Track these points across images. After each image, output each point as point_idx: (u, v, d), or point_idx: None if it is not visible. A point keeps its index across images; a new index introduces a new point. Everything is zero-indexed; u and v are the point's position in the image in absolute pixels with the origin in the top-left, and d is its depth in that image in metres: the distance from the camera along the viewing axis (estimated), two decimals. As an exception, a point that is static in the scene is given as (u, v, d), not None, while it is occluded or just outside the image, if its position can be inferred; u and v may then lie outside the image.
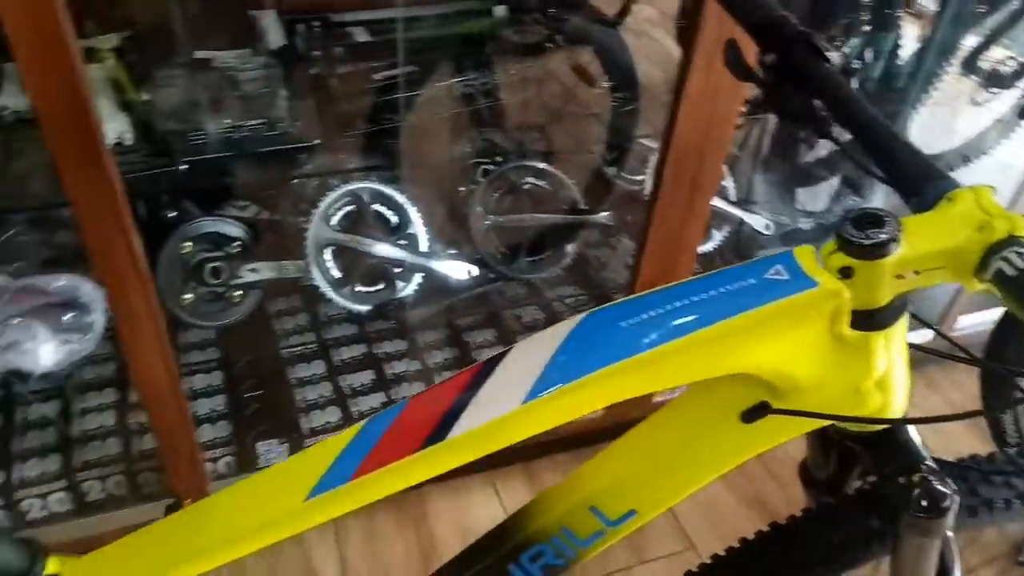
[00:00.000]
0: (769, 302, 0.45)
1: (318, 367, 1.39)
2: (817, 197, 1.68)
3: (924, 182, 0.48)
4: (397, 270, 1.23)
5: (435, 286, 1.27)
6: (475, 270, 1.26)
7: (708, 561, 0.74)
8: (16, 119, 0.98)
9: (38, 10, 0.73)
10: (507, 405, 0.46)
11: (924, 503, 0.51)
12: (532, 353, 0.47)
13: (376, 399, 1.36)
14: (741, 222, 1.44)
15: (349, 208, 1.18)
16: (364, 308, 1.22)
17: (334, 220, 1.17)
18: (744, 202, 1.47)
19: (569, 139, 1.54)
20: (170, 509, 0.64)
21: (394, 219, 1.22)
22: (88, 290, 0.40)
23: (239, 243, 1.16)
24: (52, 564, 0.53)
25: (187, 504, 0.57)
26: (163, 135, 0.96)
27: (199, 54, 0.96)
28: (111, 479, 1.23)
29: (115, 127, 0.96)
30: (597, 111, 1.52)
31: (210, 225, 1.14)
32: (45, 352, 0.38)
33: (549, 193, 1.32)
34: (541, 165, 1.30)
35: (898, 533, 0.55)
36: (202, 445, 1.25)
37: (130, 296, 0.94)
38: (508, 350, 0.49)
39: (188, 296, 1.13)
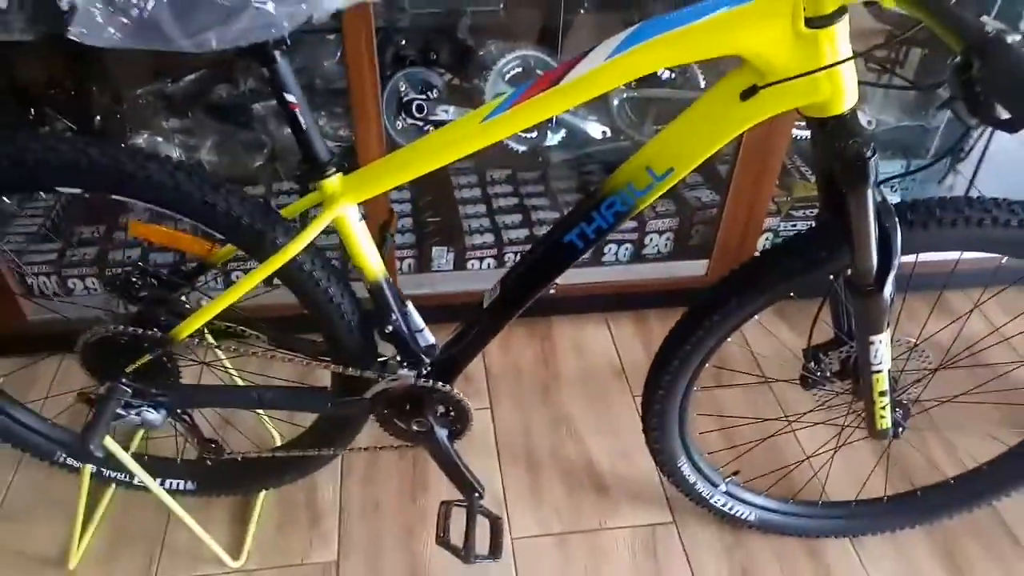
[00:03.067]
0: (748, 2, 0.77)
1: (481, 208, 1.81)
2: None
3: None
4: (551, 123, 1.61)
5: (575, 140, 1.63)
6: (608, 131, 1.62)
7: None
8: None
9: None
10: (596, 63, 0.82)
11: (853, 154, 0.81)
12: (611, 41, 0.82)
13: (521, 232, 1.75)
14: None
15: (518, 70, 1.58)
16: (521, 148, 1.61)
17: (507, 77, 1.57)
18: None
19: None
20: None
21: (551, 83, 1.59)
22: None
23: (437, 90, 1.59)
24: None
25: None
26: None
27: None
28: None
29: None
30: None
31: (420, 74, 1.58)
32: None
33: (682, 77, 1.65)
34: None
35: (844, 195, 0.85)
36: (395, 246, 1.69)
37: (366, 95, 1.38)
38: (596, 45, 0.84)
39: (399, 123, 1.58)
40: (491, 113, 0.88)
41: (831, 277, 1.01)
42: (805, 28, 0.77)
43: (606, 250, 1.77)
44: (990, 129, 2.00)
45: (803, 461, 1.48)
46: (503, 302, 1.06)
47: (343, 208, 0.96)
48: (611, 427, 1.59)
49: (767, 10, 0.77)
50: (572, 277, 1.74)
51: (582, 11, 1.68)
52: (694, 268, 1.79)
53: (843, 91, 0.81)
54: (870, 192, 0.85)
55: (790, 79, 0.79)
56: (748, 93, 0.82)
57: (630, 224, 1.76)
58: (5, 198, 1.62)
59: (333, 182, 0.95)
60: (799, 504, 1.38)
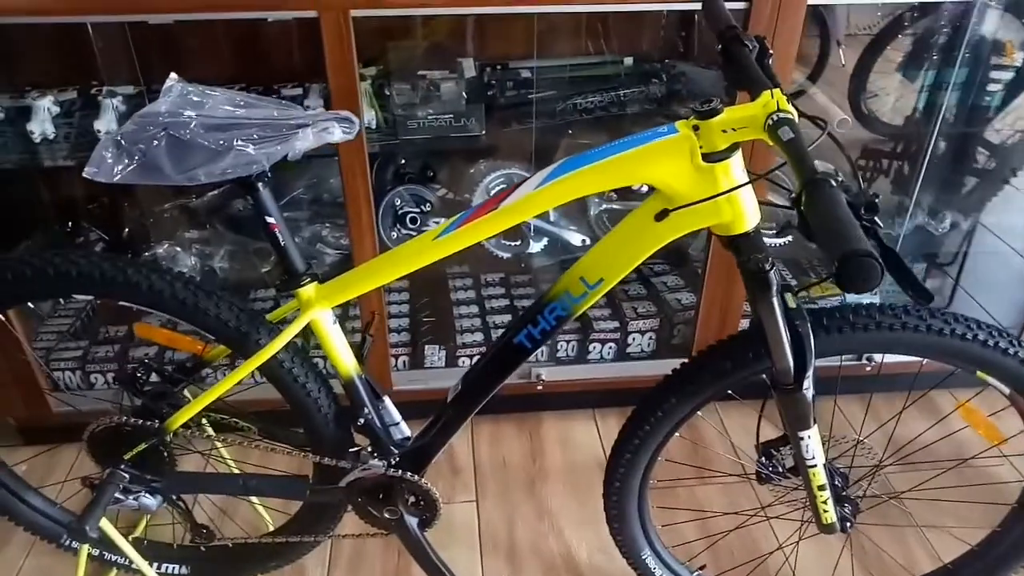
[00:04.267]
0: (653, 141, 0.90)
1: (474, 308, 1.93)
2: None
3: (760, 89, 0.90)
4: (531, 232, 1.75)
5: (557, 247, 1.76)
6: (588, 240, 1.75)
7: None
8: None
9: (344, 51, 1.36)
10: (528, 191, 0.95)
11: (754, 267, 0.92)
12: (542, 173, 0.96)
13: (510, 331, 1.86)
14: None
15: (502, 185, 1.73)
16: (504, 255, 1.75)
17: (492, 192, 1.73)
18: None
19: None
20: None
21: (533, 197, 1.75)
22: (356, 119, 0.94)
23: (430, 204, 1.75)
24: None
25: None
26: (394, 121, 1.58)
27: (420, 72, 1.59)
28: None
29: (369, 115, 1.59)
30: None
31: (415, 190, 1.75)
32: (338, 133, 0.92)
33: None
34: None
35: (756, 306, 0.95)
36: (391, 344, 1.81)
37: (360, 208, 1.54)
38: (528, 177, 0.97)
39: (394, 234, 1.73)
40: (442, 232, 1.01)
41: (763, 377, 1.09)
42: (703, 163, 0.90)
43: (591, 348, 1.87)
44: (969, 233, 2.11)
45: (767, 556, 1.51)
46: (465, 397, 1.16)
47: (317, 312, 1.09)
48: (592, 521, 1.63)
49: (669, 149, 0.90)
50: (560, 374, 1.85)
51: (569, 132, 1.85)
52: (677, 366, 1.87)
53: (743, 213, 0.93)
54: (775, 300, 0.95)
55: (694, 204, 0.92)
56: (661, 215, 0.94)
57: (612, 324, 1.86)
58: (32, 304, 1.79)
59: (308, 290, 1.08)
60: (769, 600, 1.41)
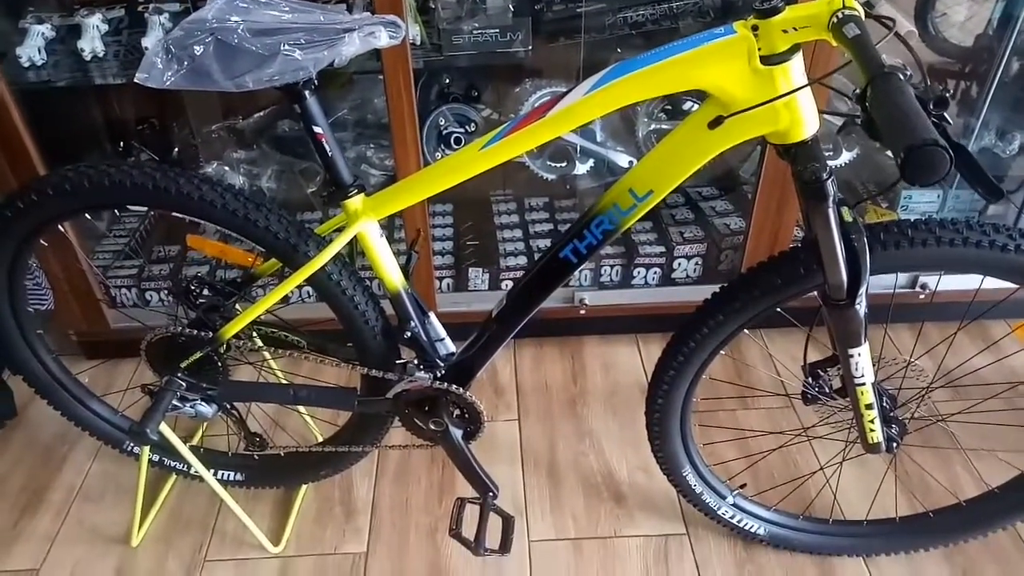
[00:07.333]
0: (709, 42, 0.87)
1: (518, 232, 1.92)
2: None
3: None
4: (578, 153, 1.72)
5: (603, 169, 1.73)
6: (635, 160, 1.71)
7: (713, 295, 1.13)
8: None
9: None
10: (577, 97, 0.93)
11: (810, 177, 0.88)
12: (592, 79, 0.93)
13: (554, 255, 1.85)
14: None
15: (549, 104, 1.69)
16: (550, 177, 1.72)
17: (538, 111, 1.69)
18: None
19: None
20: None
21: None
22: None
23: (475, 125, 1.73)
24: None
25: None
26: (438, 37, 1.55)
27: (466, -16, 1.55)
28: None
29: (413, 31, 1.56)
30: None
31: (459, 110, 1.72)
32: (384, 37, 0.91)
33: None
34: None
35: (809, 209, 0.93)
36: (435, 267, 1.82)
37: (405, 127, 1.53)
38: (581, 82, 0.95)
39: (439, 154, 1.72)
40: (488, 142, 1.00)
41: (815, 294, 1.07)
42: (761, 65, 0.86)
43: (635, 273, 1.85)
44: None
45: (809, 476, 1.51)
46: (508, 312, 1.17)
47: (364, 225, 1.10)
48: (633, 441, 1.65)
49: (725, 50, 0.87)
50: (603, 299, 1.85)
51: (618, 50, 1.79)
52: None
53: (802, 120, 0.89)
54: (830, 211, 0.92)
55: (750, 109, 0.88)
56: (715, 123, 0.91)
57: (658, 249, 1.84)
58: (89, 216, 1.83)
59: (355, 202, 1.09)
60: (809, 520, 1.41)
